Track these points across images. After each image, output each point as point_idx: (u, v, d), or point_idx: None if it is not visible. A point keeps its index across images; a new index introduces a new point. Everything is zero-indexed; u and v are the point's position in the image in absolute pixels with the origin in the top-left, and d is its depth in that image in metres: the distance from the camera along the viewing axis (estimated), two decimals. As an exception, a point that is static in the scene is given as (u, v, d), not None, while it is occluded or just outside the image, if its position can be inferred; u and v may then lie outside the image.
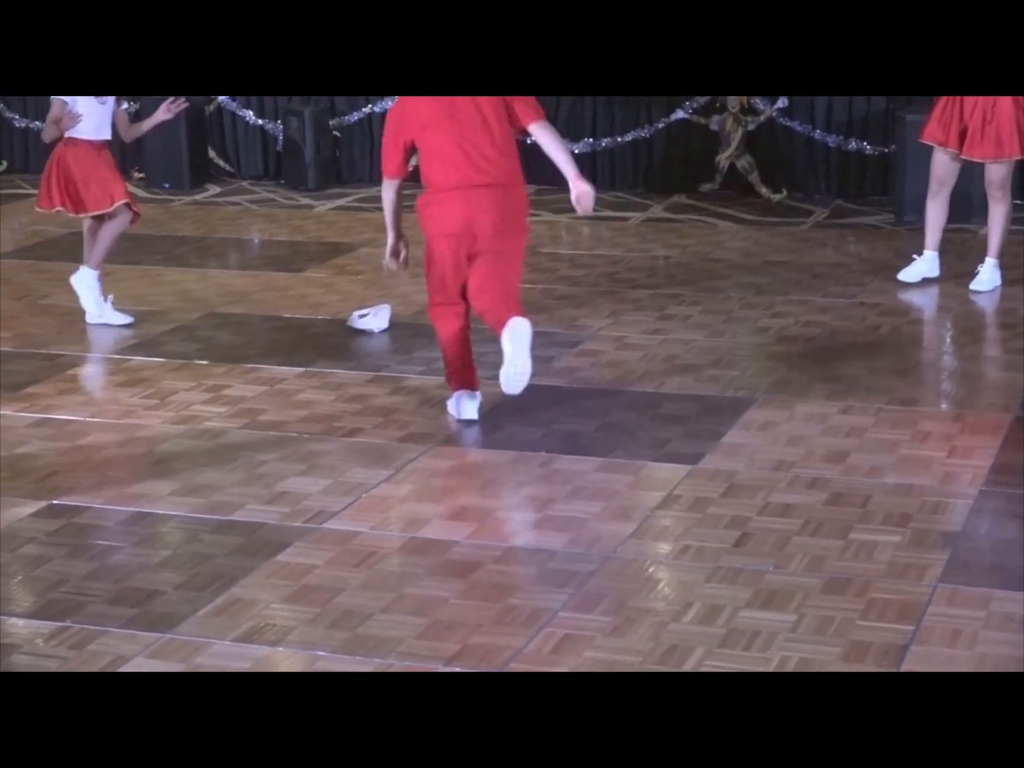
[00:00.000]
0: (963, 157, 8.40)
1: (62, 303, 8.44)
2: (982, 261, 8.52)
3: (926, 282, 8.60)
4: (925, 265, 8.64)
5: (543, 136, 6.65)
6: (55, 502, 5.63)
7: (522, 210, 6.47)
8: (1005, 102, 8.26)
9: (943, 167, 8.53)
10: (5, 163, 12.96)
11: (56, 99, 7.82)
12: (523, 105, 6.44)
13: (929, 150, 8.58)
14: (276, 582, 4.94)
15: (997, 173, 8.44)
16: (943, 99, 8.48)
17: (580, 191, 6.40)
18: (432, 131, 6.28)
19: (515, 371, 6.12)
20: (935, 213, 8.63)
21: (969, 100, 8.32)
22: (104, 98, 7.83)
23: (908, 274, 8.66)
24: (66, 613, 4.74)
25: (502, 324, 6.12)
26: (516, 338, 6.07)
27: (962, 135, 8.36)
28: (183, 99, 7.92)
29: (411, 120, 6.33)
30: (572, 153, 7.11)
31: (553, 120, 11.58)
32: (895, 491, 5.59)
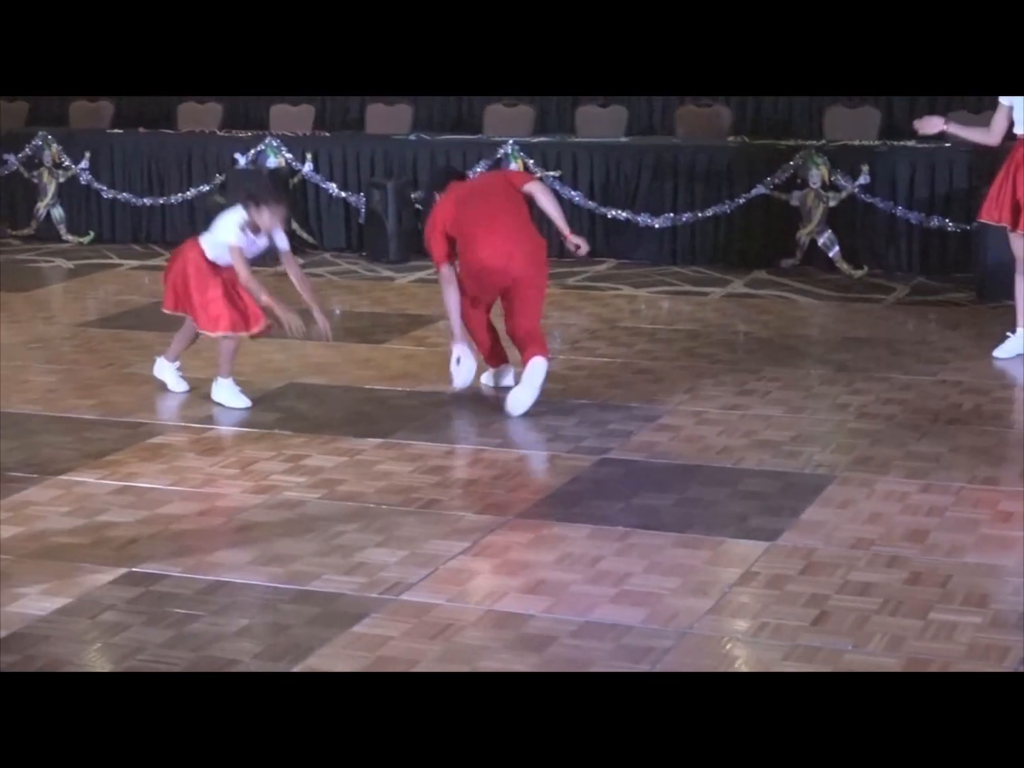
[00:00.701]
0: (1018, 233, 8.42)
1: (145, 372, 8.52)
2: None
3: (1007, 360, 8.55)
4: (1019, 342, 8.61)
5: (541, 195, 7.91)
6: (134, 569, 5.67)
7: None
8: None
9: (1018, 245, 8.53)
10: (92, 234, 13.13)
11: (233, 246, 7.75)
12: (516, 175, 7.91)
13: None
14: (352, 653, 4.94)
15: None
16: (999, 176, 8.49)
17: (577, 239, 7.90)
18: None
19: (525, 397, 7.51)
20: (1021, 290, 8.60)
21: (1021, 177, 8.33)
22: (258, 238, 7.84)
23: (1003, 351, 8.62)
24: (143, 681, 4.76)
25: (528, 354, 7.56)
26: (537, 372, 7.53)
27: (1015, 211, 8.37)
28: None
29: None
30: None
31: (634, 195, 11.73)
32: (976, 571, 5.54)
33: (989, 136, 8.56)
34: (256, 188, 8.31)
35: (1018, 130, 8.44)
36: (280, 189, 7.57)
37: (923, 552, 5.73)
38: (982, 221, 8.88)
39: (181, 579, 5.58)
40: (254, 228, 7.71)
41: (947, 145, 11.23)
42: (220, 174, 12.72)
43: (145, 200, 13.00)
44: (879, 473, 6.67)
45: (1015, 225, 8.45)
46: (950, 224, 10.99)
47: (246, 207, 7.67)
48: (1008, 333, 8.70)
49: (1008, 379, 8.36)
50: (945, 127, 8.55)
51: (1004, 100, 8.48)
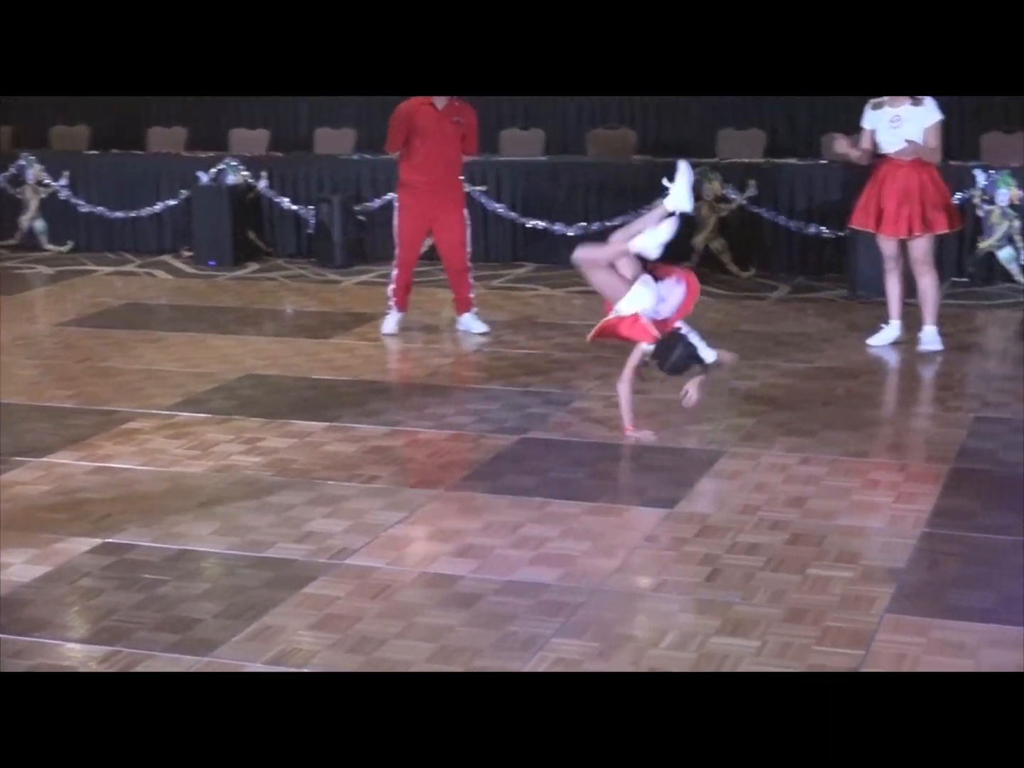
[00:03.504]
0: (882, 236, 8.51)
1: (120, 366, 8.46)
2: (920, 328, 8.56)
3: (875, 348, 8.62)
4: (891, 332, 8.69)
5: None
6: (108, 540, 5.62)
7: None
8: (913, 186, 8.34)
9: (884, 247, 8.62)
10: (71, 244, 13.00)
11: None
12: None
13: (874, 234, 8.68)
14: (303, 611, 4.92)
15: (918, 249, 8.52)
16: (867, 187, 8.58)
17: None
18: None
19: None
20: (891, 286, 8.69)
21: (887, 185, 8.43)
22: None
23: (876, 339, 8.70)
24: (117, 639, 4.72)
25: None
26: None
27: (879, 217, 8.46)
28: None
29: None
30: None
31: (550, 207, 11.73)
32: (847, 532, 5.58)
33: (864, 158, 8.62)
34: None
35: (882, 150, 8.53)
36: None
37: (802, 516, 5.77)
38: (853, 227, 8.98)
39: (150, 548, 5.54)
40: None
41: (823, 162, 11.33)
42: (185, 190, 12.64)
43: (118, 214, 12.89)
44: (764, 448, 6.70)
45: (878, 229, 8.55)
46: (825, 231, 11.06)
47: None
48: (881, 324, 8.77)
49: (876, 365, 8.42)
50: (847, 149, 8.54)
51: (866, 125, 8.55)
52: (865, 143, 8.56)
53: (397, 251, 9.45)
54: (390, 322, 9.38)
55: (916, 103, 8.36)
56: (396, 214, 9.42)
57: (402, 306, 9.41)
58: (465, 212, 9.36)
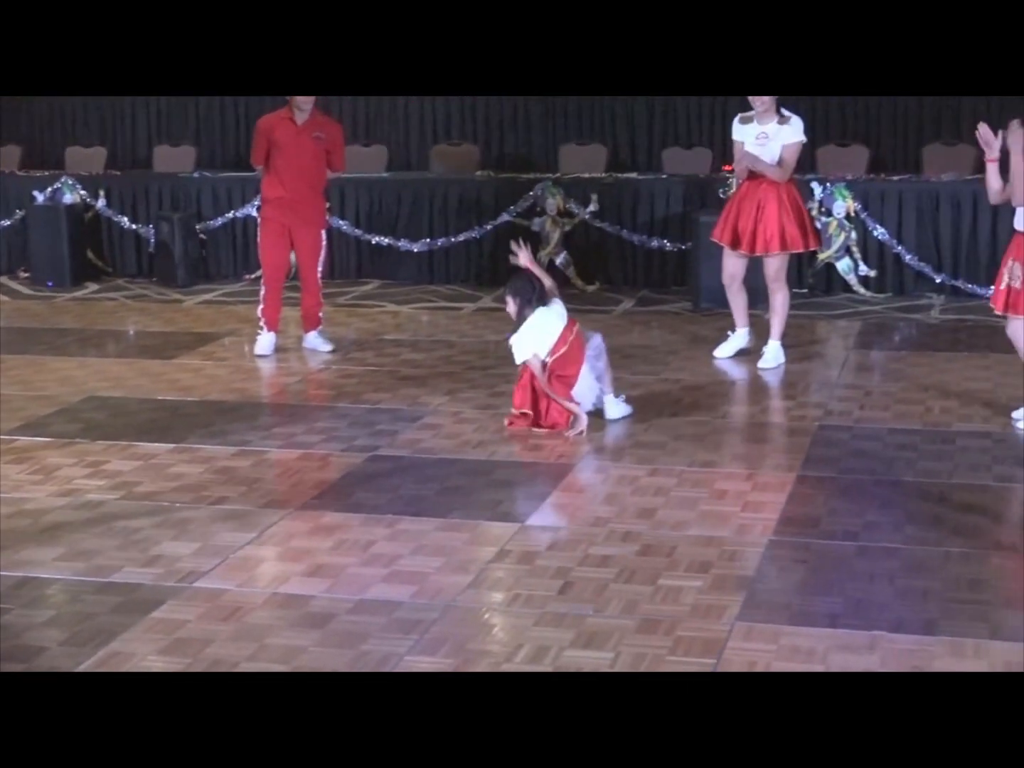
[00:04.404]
0: (739, 252, 8.61)
1: (-45, 390, 8.26)
2: (766, 342, 8.70)
3: (720, 361, 8.74)
4: (738, 340, 8.81)
5: None
6: (-51, 569, 5.48)
7: None
8: (771, 204, 8.46)
9: (729, 262, 8.74)
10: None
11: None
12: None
13: (721, 247, 8.77)
14: (152, 636, 4.84)
15: (771, 266, 8.65)
16: (728, 203, 8.70)
17: None
18: None
19: None
20: (734, 299, 8.80)
21: (745, 204, 8.55)
22: None
23: (722, 350, 8.81)
24: (-41, 670, 4.60)
25: None
26: None
27: (736, 234, 8.57)
28: None
29: None
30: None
31: (395, 223, 11.72)
32: (697, 542, 5.64)
33: (739, 168, 8.63)
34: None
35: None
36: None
37: (652, 527, 5.82)
38: (713, 240, 8.90)
39: (-8, 576, 5.42)
40: None
41: (664, 176, 11.48)
42: (20, 210, 12.39)
43: (-49, 234, 12.61)
44: (613, 460, 6.76)
45: (734, 246, 8.63)
46: (668, 244, 11.20)
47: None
48: (728, 332, 8.89)
49: (721, 376, 8.53)
50: (753, 165, 8.53)
51: (736, 137, 8.58)
52: (740, 154, 8.55)
53: (262, 269, 9.39)
54: (262, 343, 9.25)
55: (783, 121, 8.43)
56: (259, 230, 9.35)
57: (272, 325, 9.29)
58: (323, 233, 9.30)
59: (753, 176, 8.54)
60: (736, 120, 8.65)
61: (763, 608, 4.97)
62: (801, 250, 8.75)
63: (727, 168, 8.64)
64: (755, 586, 5.17)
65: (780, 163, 8.44)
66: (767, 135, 8.44)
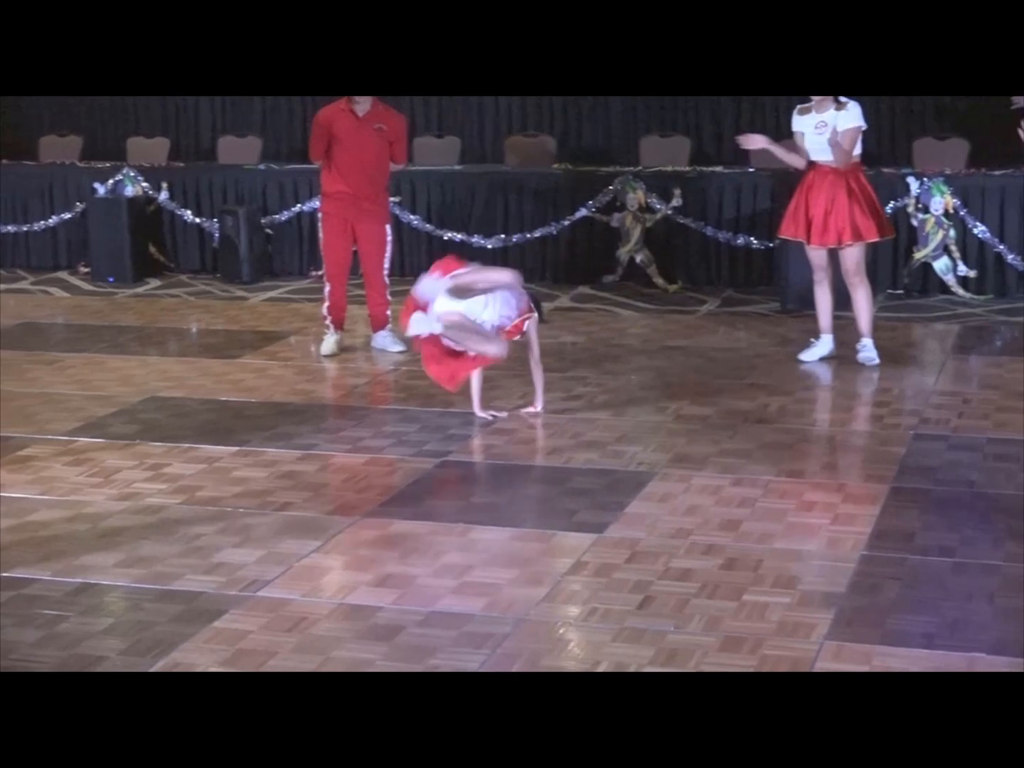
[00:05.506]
0: (813, 246, 8.60)
1: (13, 389, 8.36)
2: (858, 341, 8.66)
3: (809, 363, 8.70)
4: (823, 347, 8.77)
5: None
6: (4, 575, 5.54)
7: None
8: (841, 194, 8.45)
9: (813, 257, 8.71)
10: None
11: None
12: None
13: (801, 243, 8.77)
14: (213, 647, 4.87)
15: (849, 259, 8.61)
16: (795, 197, 8.67)
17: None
18: None
19: None
20: (820, 299, 8.77)
21: (814, 194, 8.53)
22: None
23: (808, 355, 8.78)
24: (15, 679, 4.65)
25: None
26: None
27: (809, 226, 8.55)
28: None
29: None
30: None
31: (467, 218, 11.75)
32: (784, 556, 5.61)
33: (799, 160, 8.72)
34: None
35: (808, 156, 8.62)
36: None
37: (736, 540, 5.80)
38: (782, 237, 9.06)
39: (50, 582, 5.47)
40: None
41: (751, 170, 11.42)
42: (81, 202, 12.53)
43: (9, 228, 12.76)
44: (695, 469, 6.73)
45: (809, 239, 8.63)
46: (755, 242, 11.15)
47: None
48: (812, 339, 8.85)
49: (810, 381, 8.49)
50: (767, 146, 8.66)
51: (796, 129, 8.65)
52: (801, 147, 8.64)
53: (324, 266, 9.44)
54: (329, 343, 9.30)
55: (840, 108, 8.45)
56: (320, 226, 9.40)
57: (338, 325, 9.33)
58: (388, 228, 9.33)
59: (817, 166, 8.54)
60: (795, 112, 8.68)
61: (853, 626, 4.93)
62: (876, 239, 8.70)
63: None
64: (845, 603, 5.13)
65: (835, 148, 8.43)
66: (826, 123, 8.47)
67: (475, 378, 7.59)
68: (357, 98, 9.04)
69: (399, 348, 9.24)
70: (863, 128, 8.54)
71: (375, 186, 9.22)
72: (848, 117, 8.45)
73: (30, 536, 5.97)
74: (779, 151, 8.71)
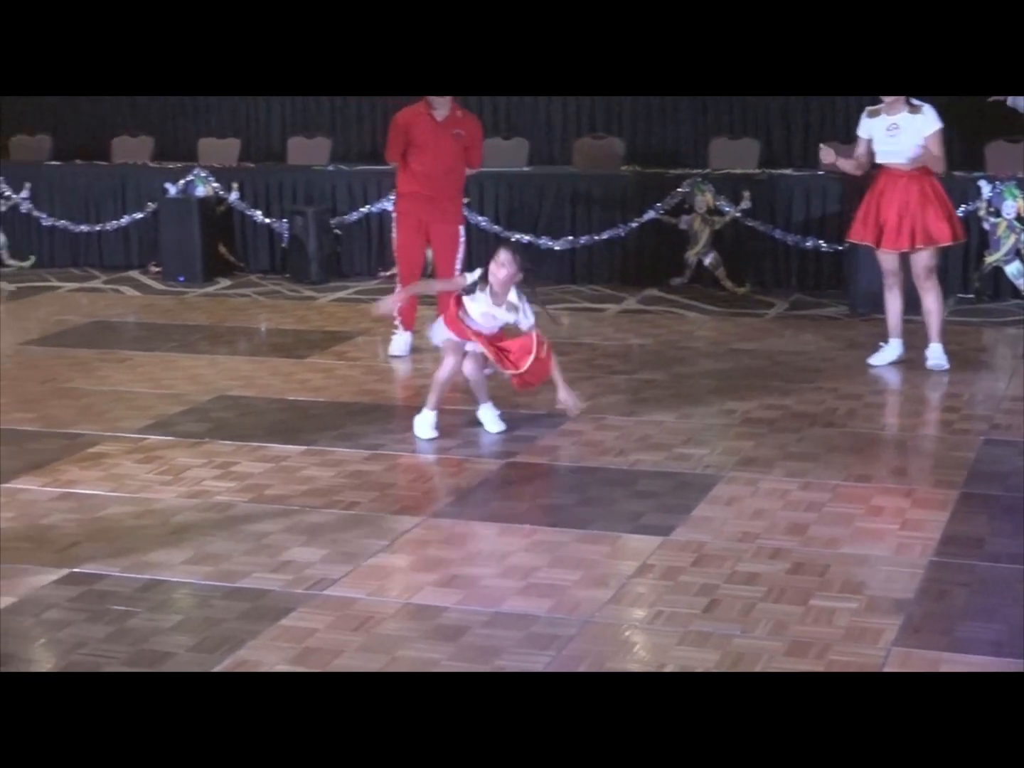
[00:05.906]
0: (884, 250, 8.54)
1: (85, 387, 8.44)
2: (926, 346, 8.60)
3: (880, 368, 8.64)
4: (892, 351, 8.72)
5: None
6: (76, 570, 5.60)
7: None
8: (914, 197, 8.39)
9: (885, 261, 8.65)
10: (33, 258, 12.98)
11: None
12: None
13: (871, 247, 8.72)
14: (280, 645, 4.90)
15: (920, 263, 8.55)
16: (864, 201, 8.61)
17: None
18: None
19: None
20: (891, 303, 8.72)
21: (886, 198, 8.46)
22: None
23: (877, 359, 8.73)
24: (85, 674, 4.70)
25: None
26: None
27: (879, 230, 8.49)
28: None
29: None
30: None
31: (536, 220, 11.75)
32: (851, 561, 5.58)
33: (858, 168, 8.68)
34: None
35: (878, 160, 8.57)
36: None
37: (803, 544, 5.77)
38: (851, 241, 9.02)
39: (119, 578, 5.52)
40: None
41: (820, 173, 11.34)
42: (152, 203, 12.62)
43: (82, 227, 12.88)
44: (762, 472, 6.70)
45: (879, 243, 8.58)
46: (824, 245, 11.09)
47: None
48: (881, 343, 8.80)
49: (879, 385, 8.43)
50: (836, 162, 8.58)
51: (862, 134, 8.59)
52: (861, 152, 8.60)
53: (396, 265, 9.47)
54: (398, 343, 9.33)
55: (914, 111, 8.39)
56: (393, 226, 9.43)
57: (408, 325, 9.34)
58: (461, 229, 9.35)
59: (888, 169, 8.48)
60: (864, 114, 8.61)
61: (922, 633, 4.90)
62: (949, 243, 8.64)
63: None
64: (913, 609, 5.10)
65: (919, 158, 8.36)
66: (898, 126, 8.41)
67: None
68: (435, 101, 9.05)
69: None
70: (943, 128, 8.47)
71: (451, 189, 9.25)
72: (927, 121, 8.39)
73: (101, 532, 6.03)
74: (846, 166, 8.66)
